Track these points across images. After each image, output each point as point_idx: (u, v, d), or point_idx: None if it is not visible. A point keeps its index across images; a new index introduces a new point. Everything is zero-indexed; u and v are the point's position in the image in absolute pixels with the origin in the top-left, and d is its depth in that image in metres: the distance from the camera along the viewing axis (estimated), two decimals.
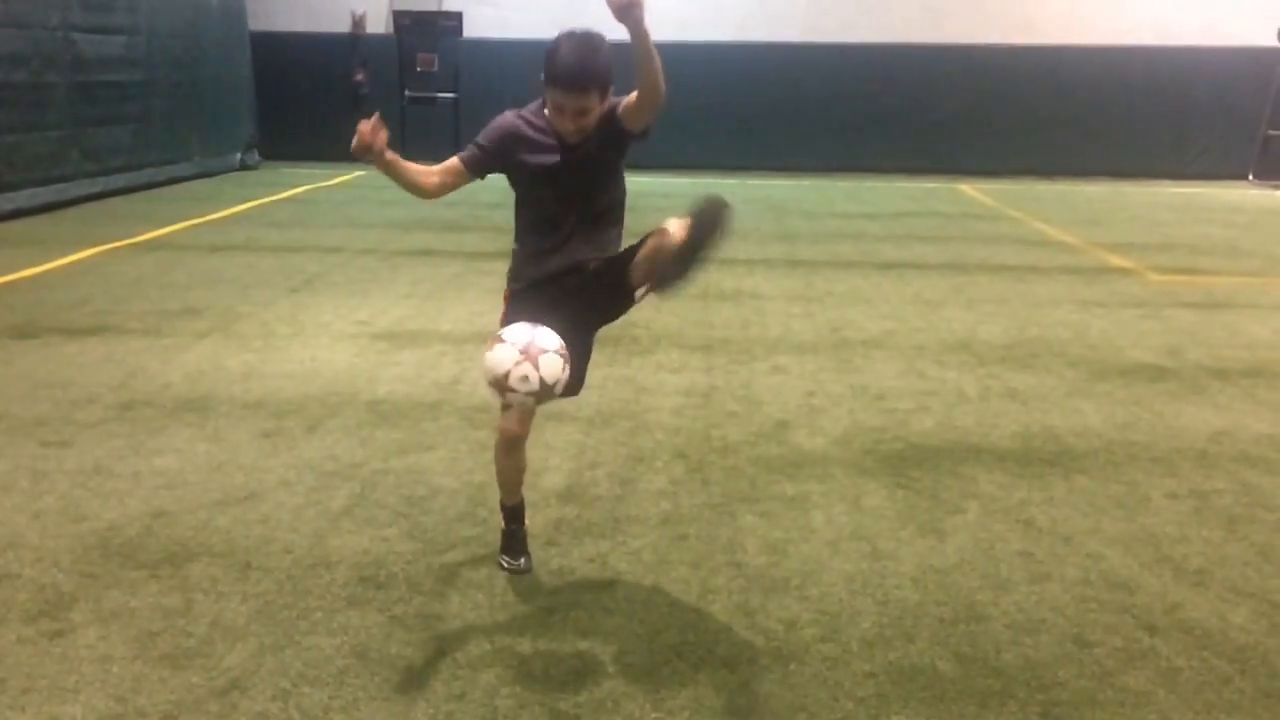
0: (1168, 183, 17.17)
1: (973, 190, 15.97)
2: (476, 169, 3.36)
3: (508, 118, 3.37)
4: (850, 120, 18.23)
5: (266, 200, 13.53)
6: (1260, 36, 17.09)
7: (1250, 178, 17.52)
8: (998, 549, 3.83)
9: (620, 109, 3.20)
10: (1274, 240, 11.41)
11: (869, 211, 13.49)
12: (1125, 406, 5.54)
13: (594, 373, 6.01)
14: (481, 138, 3.37)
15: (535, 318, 3.24)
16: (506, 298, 3.55)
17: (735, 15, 18.14)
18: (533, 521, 3.97)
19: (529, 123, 3.33)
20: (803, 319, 7.50)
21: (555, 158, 3.28)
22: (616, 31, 3.06)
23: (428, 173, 3.31)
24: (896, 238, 11.28)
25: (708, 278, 8.88)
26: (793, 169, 18.05)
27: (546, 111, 3.29)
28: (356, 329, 6.97)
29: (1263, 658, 3.13)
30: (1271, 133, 17.23)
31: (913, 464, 4.69)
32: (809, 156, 18.24)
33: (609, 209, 3.43)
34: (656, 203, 14.27)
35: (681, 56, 18.04)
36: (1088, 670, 3.05)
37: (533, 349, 3.14)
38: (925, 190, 15.96)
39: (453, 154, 3.36)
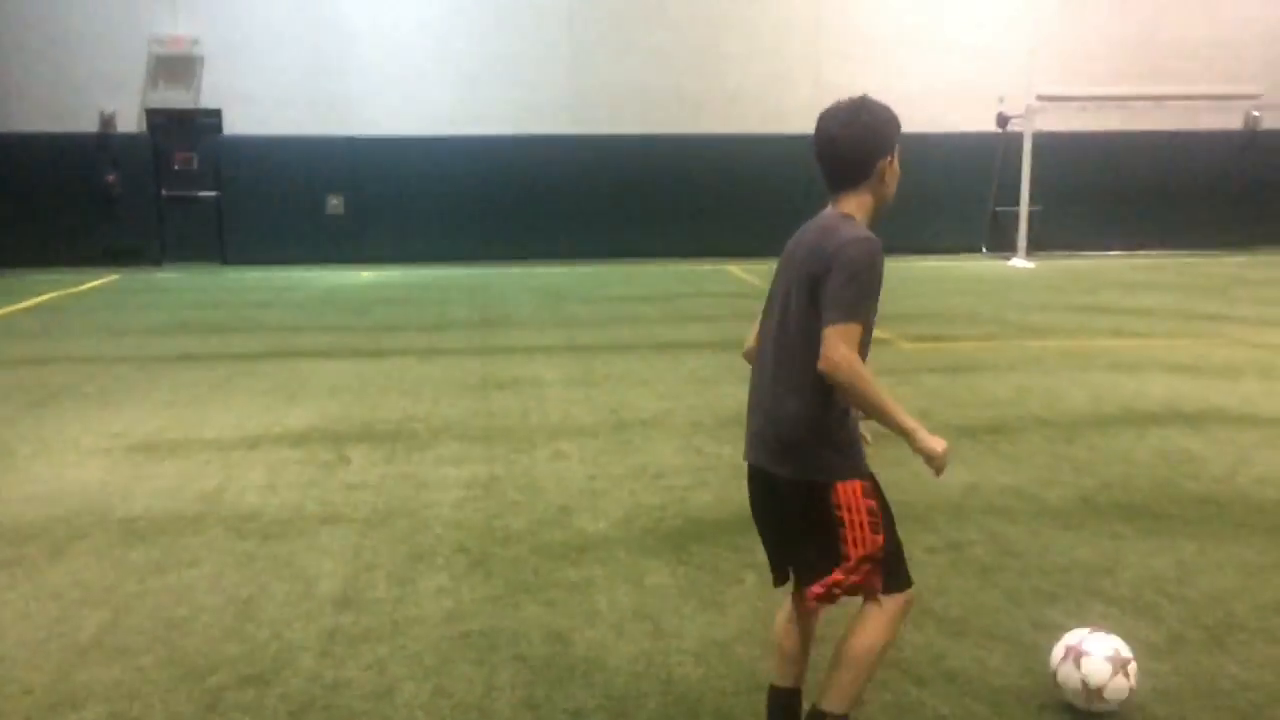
0: (915, 257, 18.48)
1: (740, 271, 16.69)
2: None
3: (872, 237, 2.70)
4: (624, 207, 18.79)
5: (6, 310, 12.56)
6: (981, 123, 18.84)
7: (983, 250, 19.12)
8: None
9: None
10: (1007, 306, 12.46)
11: (644, 294, 13.86)
12: (885, 467, 5.78)
13: (370, 471, 5.88)
14: (870, 284, 2.66)
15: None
16: (865, 488, 2.77)
17: (508, 109, 18.47)
18: (305, 632, 3.78)
19: None
20: (583, 403, 7.57)
21: None
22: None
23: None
24: (671, 319, 11.62)
25: (487, 367, 8.86)
26: (570, 255, 18.37)
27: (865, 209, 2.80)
28: (110, 442, 6.52)
29: (1016, 697, 3.33)
30: (999, 209, 18.91)
31: (693, 539, 4.77)
32: (586, 243, 18.63)
33: None
34: (436, 294, 14.20)
35: (456, 149, 18.24)
36: None
37: (1120, 656, 3.18)
38: (697, 272, 16.57)
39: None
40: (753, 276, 15.89)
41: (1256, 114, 19.16)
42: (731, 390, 7.89)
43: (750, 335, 3.07)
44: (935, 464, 2.73)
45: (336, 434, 6.74)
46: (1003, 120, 18.71)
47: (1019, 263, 17.48)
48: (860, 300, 2.65)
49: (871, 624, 2.80)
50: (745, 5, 18.76)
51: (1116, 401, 7.34)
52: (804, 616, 3.00)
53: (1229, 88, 19.15)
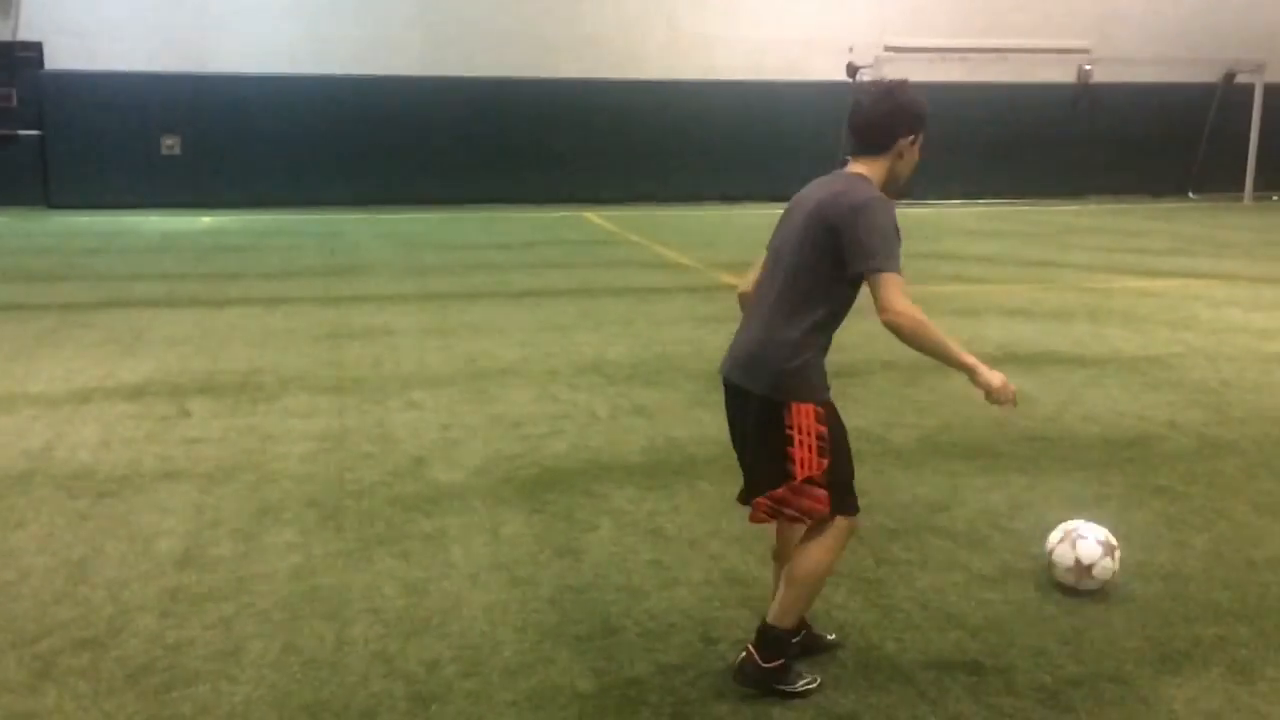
0: (771, 204, 18.78)
1: (597, 218, 16.65)
2: None
3: (885, 199, 2.92)
4: (479, 153, 18.46)
5: None
6: (833, 72, 19.18)
7: None
8: (630, 561, 3.98)
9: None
10: None
11: (501, 242, 13.69)
12: None
13: (212, 425, 5.66)
14: (897, 236, 2.88)
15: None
16: (819, 413, 2.94)
17: (356, 48, 17.83)
18: (144, 593, 3.63)
19: None
20: (438, 352, 7.45)
21: None
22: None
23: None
24: (527, 266, 11.52)
25: (337, 316, 8.62)
26: (424, 202, 17.97)
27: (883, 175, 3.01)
28: None
29: (860, 630, 3.46)
30: (848, 157, 19.32)
31: (548, 488, 4.77)
32: (440, 189, 18.25)
33: None
34: (282, 241, 13.70)
35: (302, 89, 17.53)
36: (713, 666, 3.22)
37: (1109, 542, 3.63)
38: (554, 219, 16.45)
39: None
40: (610, 223, 15.87)
41: (1088, 68, 20.05)
42: (588, 338, 7.89)
43: (748, 279, 3.28)
44: (995, 398, 2.95)
45: (176, 386, 6.45)
46: (853, 70, 19.07)
47: None
48: (897, 251, 2.87)
49: (816, 546, 3.01)
50: None
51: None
52: (782, 550, 3.19)
53: (1062, 42, 19.98)
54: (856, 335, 7.83)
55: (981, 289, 10.14)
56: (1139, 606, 3.61)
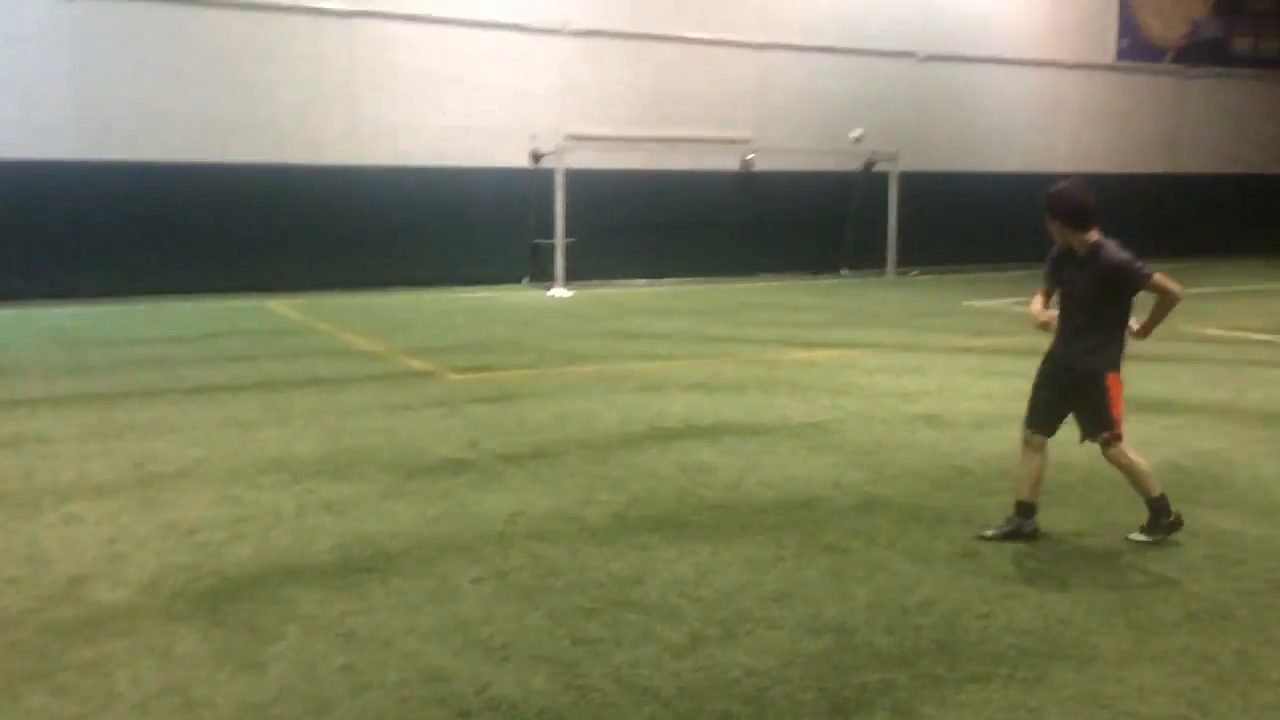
0: (460, 289, 18.86)
1: (282, 306, 16.03)
2: None
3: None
4: (148, 241, 17.34)
5: None
6: (518, 159, 19.69)
7: (525, 280, 19.94)
8: (320, 669, 3.80)
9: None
10: (547, 334, 13.07)
11: (174, 335, 12.85)
12: (434, 502, 5.89)
13: None
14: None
15: None
16: (1120, 381, 5.06)
17: (6, 131, 16.35)
18: None
19: None
20: (101, 458, 6.85)
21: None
22: None
23: None
24: (204, 360, 10.88)
25: None
26: (86, 295, 16.59)
27: None
28: None
29: (558, 715, 3.48)
30: (537, 241, 19.80)
31: (228, 598, 4.48)
32: (105, 281, 16.93)
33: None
34: None
35: None
36: None
37: None
38: (233, 309, 15.67)
39: None
40: (296, 312, 15.33)
41: (750, 156, 21.75)
42: (273, 433, 7.54)
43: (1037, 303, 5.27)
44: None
45: None
46: (536, 156, 19.67)
47: (558, 292, 18.41)
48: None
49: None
50: (275, 33, 18.11)
51: (644, 420, 7.95)
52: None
53: (726, 133, 21.58)
54: (549, 416, 8.04)
55: (665, 365, 10.63)
56: (812, 659, 3.86)
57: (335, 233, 18.53)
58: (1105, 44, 25.47)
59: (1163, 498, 5.15)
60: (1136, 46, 25.75)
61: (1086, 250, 4.99)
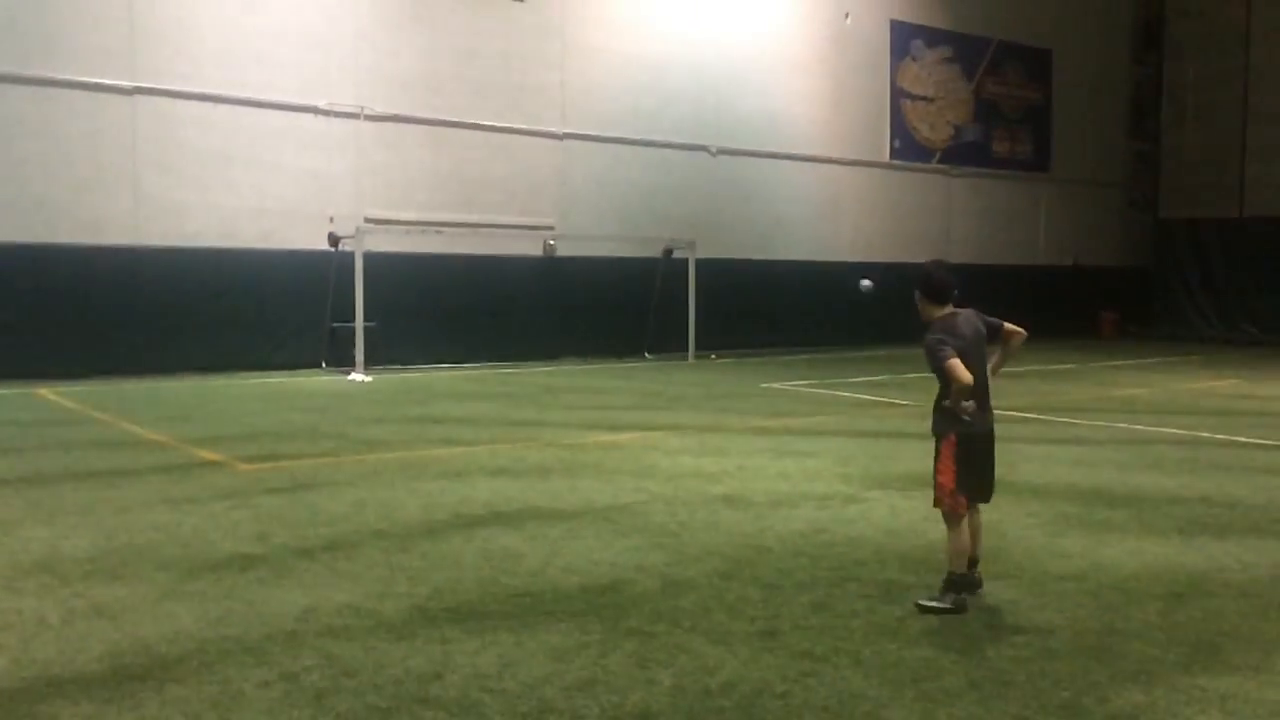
0: (254, 374, 18.09)
1: (54, 394, 14.94)
2: None
3: None
4: None
5: None
6: (315, 241, 19.23)
7: (324, 365, 19.35)
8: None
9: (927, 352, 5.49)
10: (346, 421, 12.68)
11: None
12: (218, 601, 5.55)
13: None
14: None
15: None
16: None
17: None
18: None
19: None
20: None
21: None
22: None
23: None
24: None
25: None
26: None
27: None
28: None
29: None
30: (336, 325, 19.30)
31: None
32: None
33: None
34: None
35: None
36: None
37: None
38: None
39: None
40: (70, 400, 14.30)
41: (552, 242, 22.01)
42: (37, 533, 6.96)
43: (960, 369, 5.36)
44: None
45: None
46: (334, 239, 19.27)
47: (358, 377, 17.93)
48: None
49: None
50: (48, 109, 17.12)
51: (447, 508, 7.79)
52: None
53: (529, 219, 21.81)
54: (347, 505, 7.76)
55: (469, 450, 10.48)
56: None
57: (117, 316, 17.50)
58: (880, 144, 27.31)
59: (964, 576, 5.46)
60: (907, 146, 27.74)
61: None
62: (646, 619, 5.29)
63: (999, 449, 5.78)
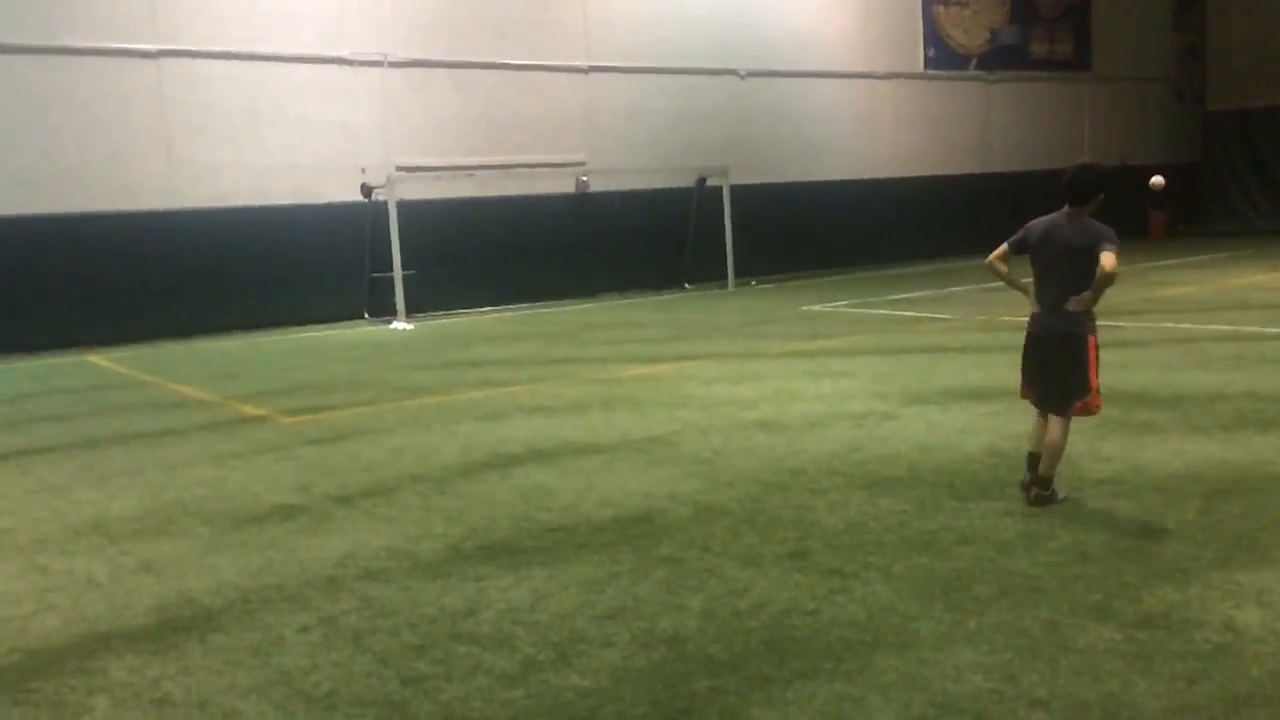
0: (298, 329, 18.30)
1: (105, 360, 15.25)
2: None
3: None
4: None
5: None
6: (349, 193, 19.28)
7: (366, 316, 19.52)
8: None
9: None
10: (386, 369, 12.81)
11: None
12: (260, 552, 5.67)
13: None
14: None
15: None
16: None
17: None
18: None
19: None
20: None
21: None
22: None
23: None
24: (12, 424, 10.25)
25: None
26: None
27: None
28: None
29: None
30: (375, 275, 19.42)
31: (33, 674, 4.20)
32: None
33: None
34: None
35: None
36: None
37: None
38: (50, 367, 14.82)
39: None
40: (121, 365, 14.59)
41: (584, 179, 21.86)
42: (88, 495, 7.14)
43: (996, 255, 5.90)
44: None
45: None
46: (367, 190, 19.29)
47: (399, 325, 18.07)
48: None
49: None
50: (76, 78, 17.22)
51: (484, 448, 7.86)
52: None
53: (559, 156, 21.64)
54: (385, 453, 7.86)
55: (508, 391, 10.54)
56: (645, 674, 3.87)
57: (160, 280, 17.74)
58: (914, 55, 26.64)
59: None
60: (942, 55, 27.02)
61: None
62: (678, 546, 5.32)
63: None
